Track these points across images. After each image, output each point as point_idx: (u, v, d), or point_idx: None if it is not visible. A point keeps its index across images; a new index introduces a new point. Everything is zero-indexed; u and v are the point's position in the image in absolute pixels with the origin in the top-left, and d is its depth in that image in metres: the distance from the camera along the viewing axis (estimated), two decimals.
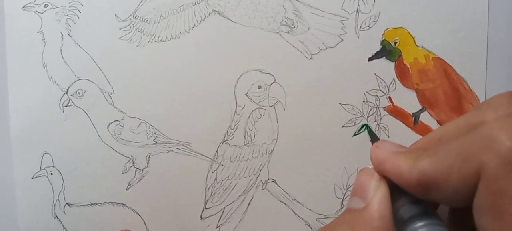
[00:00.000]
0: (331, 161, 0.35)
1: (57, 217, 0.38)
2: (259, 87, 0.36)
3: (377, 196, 0.19)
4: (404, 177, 0.18)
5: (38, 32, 0.37)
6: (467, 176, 0.16)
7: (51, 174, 0.38)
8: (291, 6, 0.36)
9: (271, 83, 0.36)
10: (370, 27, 0.35)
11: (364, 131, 0.35)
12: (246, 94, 0.36)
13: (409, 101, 0.35)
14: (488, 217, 0.16)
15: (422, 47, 0.34)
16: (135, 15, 0.37)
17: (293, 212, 0.36)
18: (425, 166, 0.18)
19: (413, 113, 0.35)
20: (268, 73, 0.36)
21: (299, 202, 0.36)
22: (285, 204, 0.36)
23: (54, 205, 0.38)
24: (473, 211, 0.17)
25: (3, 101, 0.38)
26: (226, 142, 0.36)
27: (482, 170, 0.16)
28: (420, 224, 0.18)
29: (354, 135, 0.35)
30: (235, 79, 0.36)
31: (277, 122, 0.36)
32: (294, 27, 0.35)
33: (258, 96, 0.36)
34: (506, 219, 0.15)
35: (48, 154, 0.37)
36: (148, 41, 0.36)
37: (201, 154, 0.36)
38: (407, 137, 0.35)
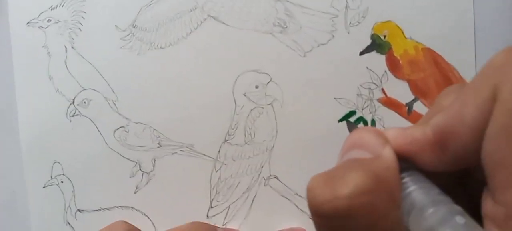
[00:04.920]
0: (329, 154, 0.36)
1: (69, 224, 0.39)
2: (256, 87, 0.37)
3: (388, 150, 0.16)
4: (419, 140, 0.16)
5: (43, 46, 0.39)
6: (482, 106, 0.14)
7: (62, 182, 0.39)
8: (283, 7, 0.37)
9: (268, 82, 0.37)
10: (359, 23, 0.36)
11: (349, 117, 0.36)
12: (244, 95, 0.37)
13: (402, 92, 0.36)
14: (497, 141, 0.14)
15: (411, 39, 0.36)
16: (134, 25, 0.38)
17: (296, 206, 0.37)
18: (439, 119, 0.16)
19: (406, 103, 0.36)
20: (264, 73, 0.37)
21: (301, 196, 0.37)
22: (288, 198, 0.37)
23: (66, 212, 0.39)
24: (483, 144, 0.14)
25: (12, 115, 0.39)
26: (227, 141, 0.37)
27: (497, 92, 0.14)
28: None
29: (339, 120, 0.36)
30: (233, 81, 0.37)
31: (276, 119, 0.37)
32: (286, 27, 0.37)
33: (256, 96, 0.37)
34: None
35: (58, 162, 0.39)
36: (148, 49, 0.38)
37: (204, 155, 0.37)
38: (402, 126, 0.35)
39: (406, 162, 0.17)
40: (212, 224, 0.37)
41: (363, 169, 0.16)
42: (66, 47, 0.39)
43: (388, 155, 0.16)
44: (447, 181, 0.17)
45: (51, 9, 0.39)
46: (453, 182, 0.18)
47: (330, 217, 0.15)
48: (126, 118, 0.38)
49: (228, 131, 0.37)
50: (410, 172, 0.17)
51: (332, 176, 0.16)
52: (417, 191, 0.16)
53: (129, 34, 0.38)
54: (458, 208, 0.15)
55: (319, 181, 0.16)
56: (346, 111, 0.36)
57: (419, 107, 0.36)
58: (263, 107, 0.37)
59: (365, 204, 0.15)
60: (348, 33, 0.36)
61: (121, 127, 0.38)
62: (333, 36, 0.36)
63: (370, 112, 0.36)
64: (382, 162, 0.16)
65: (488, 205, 0.14)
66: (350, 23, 0.36)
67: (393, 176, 0.16)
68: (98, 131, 0.38)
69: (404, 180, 0.16)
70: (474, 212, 0.15)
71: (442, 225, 0.14)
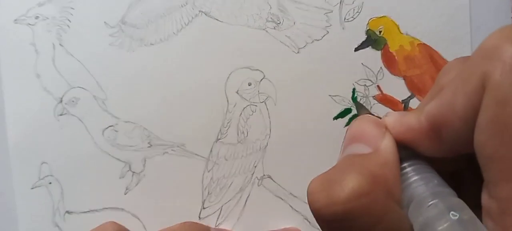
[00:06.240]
0: (325, 153, 0.36)
1: (58, 226, 0.38)
2: (249, 84, 0.36)
3: (388, 141, 0.16)
4: (415, 128, 0.16)
5: (30, 44, 0.38)
6: (471, 94, 0.14)
7: (50, 183, 0.38)
8: (276, 2, 0.36)
9: (261, 80, 0.36)
10: (354, 18, 0.35)
11: (345, 115, 0.36)
12: (236, 92, 0.36)
13: (397, 88, 0.35)
14: (487, 133, 0.13)
15: (406, 34, 0.35)
16: (123, 21, 0.37)
17: (290, 206, 0.36)
18: (432, 107, 0.16)
19: (402, 100, 0.35)
20: (257, 69, 0.36)
21: (296, 196, 0.36)
22: (282, 199, 0.36)
23: (54, 214, 0.38)
24: (474, 135, 0.14)
25: None
26: (220, 140, 0.37)
27: (485, 81, 0.14)
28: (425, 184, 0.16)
29: (334, 118, 0.36)
30: (225, 78, 0.36)
31: (269, 118, 0.36)
32: (280, 22, 0.36)
33: (249, 93, 0.36)
34: (508, 133, 0.13)
35: (46, 163, 0.38)
36: (138, 46, 0.37)
37: (196, 154, 0.37)
38: None
39: (408, 149, 0.17)
40: (205, 224, 0.36)
41: (360, 170, 0.16)
42: (54, 45, 0.38)
43: (386, 148, 0.16)
44: (457, 163, 0.17)
45: (39, 6, 0.38)
46: (463, 163, 0.17)
47: (329, 221, 0.15)
48: (116, 117, 0.37)
49: (220, 130, 0.36)
50: (411, 160, 0.17)
51: (330, 180, 0.16)
52: (416, 182, 0.16)
53: (118, 31, 0.37)
54: (455, 200, 0.15)
55: (317, 185, 0.16)
56: (341, 108, 0.36)
57: (415, 104, 0.35)
58: (256, 105, 0.36)
59: (363, 206, 0.15)
60: (343, 29, 0.36)
61: (110, 126, 0.37)
62: (328, 32, 0.36)
63: (366, 110, 0.36)
64: (379, 157, 0.16)
65: (484, 197, 0.14)
66: (345, 18, 0.36)
67: (390, 172, 0.16)
68: (87, 130, 0.38)
69: (405, 170, 0.16)
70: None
71: (436, 220, 0.14)
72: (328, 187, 0.16)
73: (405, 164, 0.17)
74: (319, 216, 0.16)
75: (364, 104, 0.31)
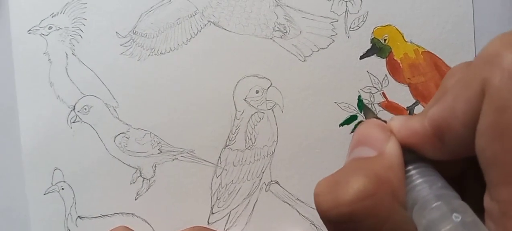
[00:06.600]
0: (331, 159, 0.36)
1: None
2: (257, 91, 0.37)
3: (392, 144, 0.17)
4: (419, 132, 0.16)
5: (44, 53, 0.39)
6: (471, 100, 0.14)
7: (62, 188, 0.39)
8: (282, 12, 0.37)
9: (268, 87, 0.37)
10: (359, 27, 0.36)
11: (351, 122, 0.36)
12: (244, 99, 0.37)
13: (402, 95, 0.36)
14: (487, 138, 0.14)
15: (411, 42, 0.36)
16: (134, 31, 0.38)
17: (298, 212, 0.37)
18: (435, 111, 0.16)
19: (407, 107, 0.36)
20: (264, 77, 0.37)
21: (303, 202, 0.36)
22: (289, 204, 0.37)
23: (66, 219, 0.39)
24: (475, 139, 0.14)
25: (13, 121, 0.39)
26: (228, 146, 0.37)
27: (485, 87, 0.14)
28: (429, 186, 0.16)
29: (340, 125, 0.36)
30: (233, 86, 0.37)
31: (276, 124, 0.37)
32: (287, 31, 0.37)
33: (256, 101, 0.37)
34: (507, 138, 0.13)
35: (59, 169, 0.39)
36: (148, 55, 0.38)
37: (204, 160, 0.37)
38: None
39: (412, 152, 0.17)
40: (214, 229, 0.36)
41: (365, 172, 0.16)
42: (67, 54, 0.39)
43: (391, 152, 0.16)
44: (461, 166, 0.17)
45: (52, 16, 0.39)
46: (468, 166, 0.17)
47: (335, 222, 0.16)
48: (127, 124, 0.38)
49: (228, 136, 0.37)
50: (416, 163, 0.17)
51: (336, 181, 0.16)
52: (420, 184, 0.16)
53: (129, 40, 0.38)
54: (458, 203, 0.15)
55: (323, 187, 0.16)
56: (347, 115, 0.36)
57: (420, 111, 0.36)
58: (263, 112, 0.37)
59: (368, 207, 0.15)
60: (348, 37, 0.36)
61: (121, 133, 0.38)
62: (333, 40, 0.36)
63: (373, 113, 0.36)
64: (384, 160, 0.16)
65: (486, 200, 0.14)
66: (350, 27, 0.36)
67: (395, 175, 0.16)
68: (99, 137, 0.38)
69: (410, 173, 0.17)
70: None
71: (439, 222, 0.14)
72: (333, 189, 0.16)
73: (410, 167, 0.17)
74: (325, 217, 0.16)
75: (371, 108, 0.32)
